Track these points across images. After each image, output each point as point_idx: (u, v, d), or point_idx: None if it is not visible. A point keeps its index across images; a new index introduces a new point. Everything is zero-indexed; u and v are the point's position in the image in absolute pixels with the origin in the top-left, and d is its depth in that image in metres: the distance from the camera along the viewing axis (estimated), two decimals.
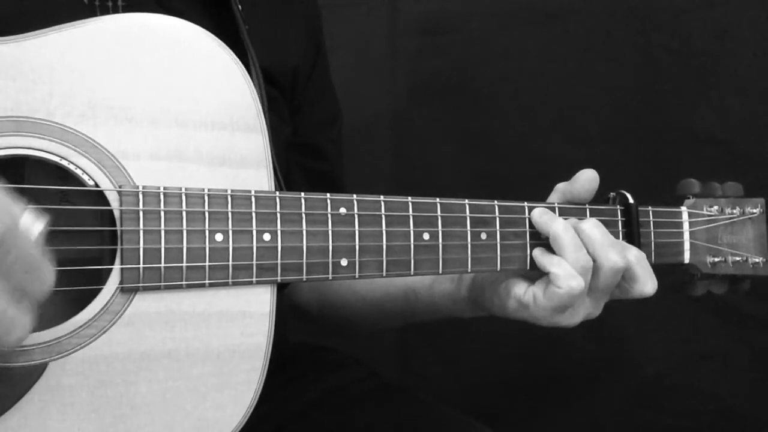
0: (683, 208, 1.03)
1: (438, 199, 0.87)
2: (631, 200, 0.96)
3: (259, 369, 0.78)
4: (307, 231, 0.80)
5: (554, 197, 0.96)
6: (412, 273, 0.85)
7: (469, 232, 0.88)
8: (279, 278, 0.78)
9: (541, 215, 0.90)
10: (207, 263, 0.75)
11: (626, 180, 1.01)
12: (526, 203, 0.91)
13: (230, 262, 0.76)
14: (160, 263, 0.73)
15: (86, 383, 0.72)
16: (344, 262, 0.81)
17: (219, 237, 0.76)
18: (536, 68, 1.67)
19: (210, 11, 0.96)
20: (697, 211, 1.03)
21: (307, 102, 1.13)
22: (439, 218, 0.86)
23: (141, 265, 0.73)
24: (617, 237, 0.95)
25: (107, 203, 0.73)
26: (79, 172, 0.73)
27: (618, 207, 0.97)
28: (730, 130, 1.60)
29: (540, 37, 1.66)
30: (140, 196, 0.73)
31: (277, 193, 0.79)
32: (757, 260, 1.05)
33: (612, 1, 1.64)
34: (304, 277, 0.80)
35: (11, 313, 0.58)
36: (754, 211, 1.06)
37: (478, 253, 0.88)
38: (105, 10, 0.88)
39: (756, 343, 1.63)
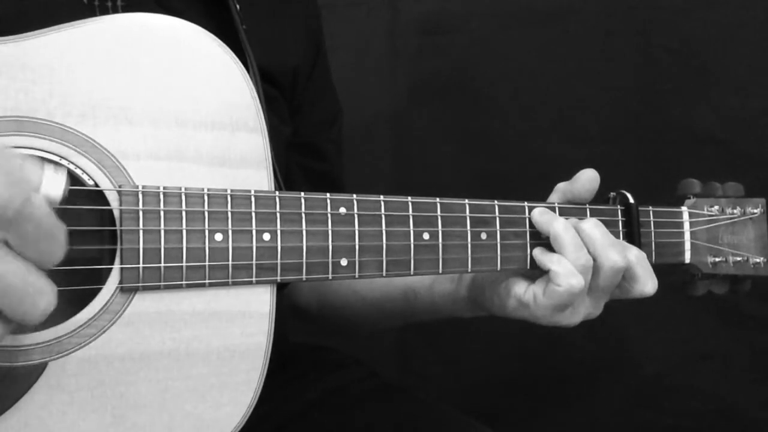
0: (684, 208, 1.02)
1: (438, 199, 0.87)
2: (631, 200, 0.96)
3: (259, 369, 0.78)
4: (306, 231, 0.80)
5: (555, 197, 0.96)
6: (412, 273, 0.85)
7: (469, 232, 0.88)
8: (279, 278, 0.78)
9: (541, 215, 0.90)
10: (207, 263, 0.75)
11: (626, 180, 1.01)
12: (526, 203, 0.91)
13: (230, 262, 0.76)
14: (160, 263, 0.73)
15: (86, 383, 0.72)
16: (344, 262, 0.81)
17: (219, 237, 0.76)
18: (536, 68, 1.67)
19: (210, 11, 0.96)
20: (697, 211, 1.03)
21: (307, 102, 1.12)
22: (439, 218, 0.86)
23: (141, 265, 0.73)
24: (618, 237, 0.95)
25: (107, 203, 0.73)
26: (78, 171, 0.73)
27: (618, 207, 0.97)
28: (730, 130, 1.60)
29: (540, 37, 1.66)
30: (140, 196, 0.73)
31: (277, 192, 0.79)
32: (757, 260, 1.05)
33: (612, 1, 1.64)
34: (304, 276, 0.80)
35: (35, 283, 0.56)
36: (755, 211, 1.06)
37: (478, 253, 0.88)
38: (104, 10, 0.88)
39: (756, 343, 1.63)
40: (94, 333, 0.72)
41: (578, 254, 0.87)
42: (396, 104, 1.72)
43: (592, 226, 0.89)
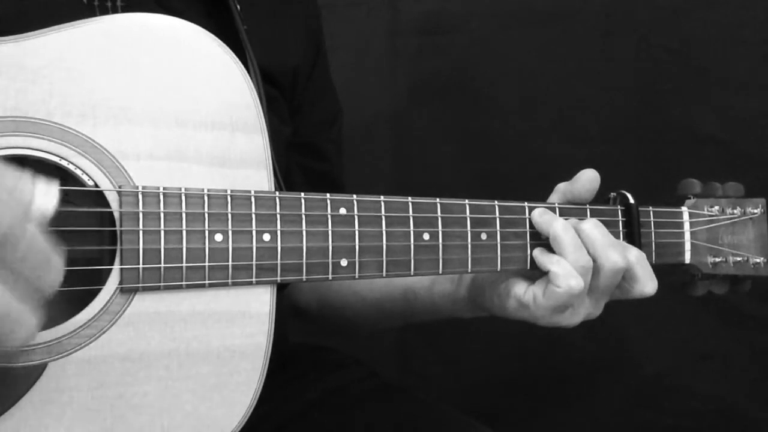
0: (684, 209, 1.02)
1: (438, 200, 0.87)
2: (631, 200, 0.96)
3: (259, 369, 0.78)
4: (306, 231, 0.79)
5: (555, 197, 0.96)
6: (412, 273, 0.85)
7: (469, 233, 0.88)
8: (279, 278, 0.78)
9: (541, 215, 0.90)
10: (207, 263, 0.75)
11: (626, 180, 1.00)
12: (526, 203, 0.91)
13: (230, 263, 0.76)
14: (160, 263, 0.73)
15: (86, 383, 0.72)
16: (344, 263, 0.81)
17: (219, 237, 0.76)
18: (536, 68, 1.67)
19: (210, 11, 0.96)
20: (697, 212, 1.03)
21: (307, 102, 1.12)
22: (439, 218, 0.86)
23: (140, 266, 0.73)
24: (618, 237, 0.95)
25: (107, 204, 0.73)
26: (78, 172, 0.73)
27: (618, 207, 0.97)
28: (730, 130, 1.60)
29: (540, 37, 1.66)
30: (140, 197, 0.73)
31: (277, 193, 0.79)
32: (757, 260, 1.05)
33: (612, 1, 1.64)
34: (304, 277, 0.79)
35: (15, 313, 0.55)
36: (755, 211, 1.06)
37: (478, 254, 0.88)
38: (104, 10, 0.88)
39: (756, 343, 1.63)
40: (94, 333, 0.72)
41: (578, 255, 0.87)
42: (396, 104, 1.72)
43: (592, 226, 0.89)
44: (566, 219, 0.90)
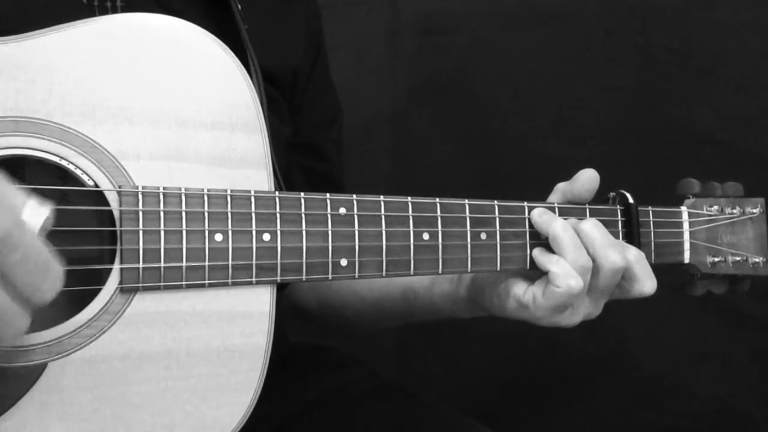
0: (683, 208, 1.02)
1: (438, 199, 0.87)
2: (631, 200, 0.96)
3: (259, 369, 0.78)
4: (306, 231, 0.80)
5: (554, 197, 0.96)
6: (411, 273, 0.85)
7: (468, 232, 0.88)
8: (279, 278, 0.78)
9: (540, 215, 0.90)
10: (207, 263, 0.75)
11: (626, 180, 1.00)
12: (526, 203, 0.91)
13: (230, 262, 0.76)
14: (160, 263, 0.73)
15: (86, 383, 0.72)
16: (344, 262, 0.81)
17: (219, 237, 0.76)
18: (536, 68, 1.67)
19: (210, 11, 0.96)
20: (697, 211, 1.03)
21: (307, 102, 1.13)
22: (439, 218, 0.86)
23: (140, 265, 0.73)
24: (617, 237, 0.95)
25: (107, 203, 0.73)
26: (78, 172, 0.73)
27: (618, 207, 0.97)
28: (730, 130, 1.60)
29: (540, 37, 1.66)
30: (140, 197, 0.73)
31: (277, 193, 0.79)
32: (757, 260, 1.05)
33: (612, 1, 1.64)
34: (304, 277, 0.80)
35: (10, 314, 0.56)
36: (754, 210, 1.06)
37: (478, 253, 0.88)
38: (104, 10, 0.88)
39: (755, 343, 1.63)
40: (94, 333, 0.72)
41: (577, 255, 0.87)
42: (396, 104, 1.72)
43: (591, 226, 0.89)
44: (566, 219, 0.90)
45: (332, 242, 0.81)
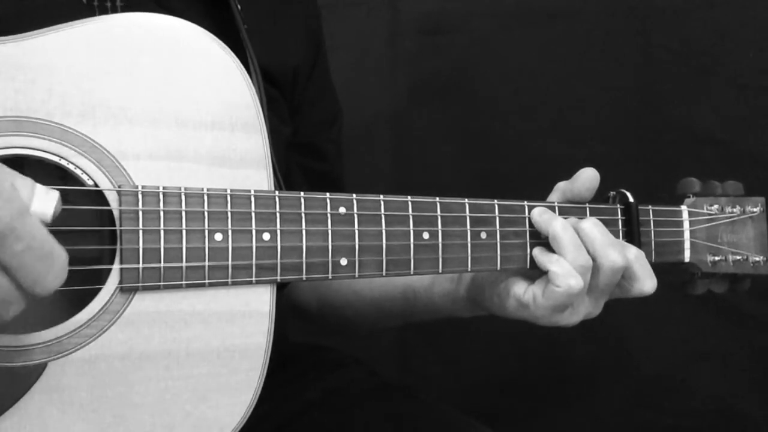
0: (683, 207, 1.02)
1: (438, 199, 0.87)
2: (631, 199, 0.96)
3: (259, 369, 0.78)
4: (306, 230, 0.80)
5: (555, 196, 0.96)
6: (411, 272, 0.85)
7: (468, 232, 0.88)
8: (279, 278, 0.78)
9: (540, 214, 0.90)
10: (206, 263, 0.75)
11: (626, 179, 1.00)
12: (526, 202, 0.91)
13: (230, 262, 0.76)
14: (160, 263, 0.73)
15: (86, 383, 0.72)
16: (344, 262, 0.81)
17: (218, 237, 0.76)
18: (536, 68, 1.67)
19: (210, 11, 0.96)
20: (697, 210, 1.03)
21: (307, 102, 1.13)
22: (439, 218, 0.86)
23: (140, 265, 0.73)
24: (617, 236, 0.95)
25: (107, 203, 0.73)
26: (78, 172, 0.73)
27: (618, 206, 0.97)
28: (730, 130, 1.60)
29: (540, 37, 1.66)
30: (139, 196, 0.73)
31: (277, 192, 0.79)
32: (757, 259, 1.05)
33: (612, 1, 1.64)
34: (304, 276, 0.80)
35: (10, 297, 0.57)
36: (755, 209, 1.06)
37: (478, 253, 0.88)
38: (104, 10, 0.88)
39: (755, 343, 1.63)
40: (93, 333, 0.72)
41: (577, 254, 0.87)
42: (396, 104, 1.72)
43: (591, 225, 0.89)
44: (566, 218, 0.90)
45: (332, 242, 0.81)
